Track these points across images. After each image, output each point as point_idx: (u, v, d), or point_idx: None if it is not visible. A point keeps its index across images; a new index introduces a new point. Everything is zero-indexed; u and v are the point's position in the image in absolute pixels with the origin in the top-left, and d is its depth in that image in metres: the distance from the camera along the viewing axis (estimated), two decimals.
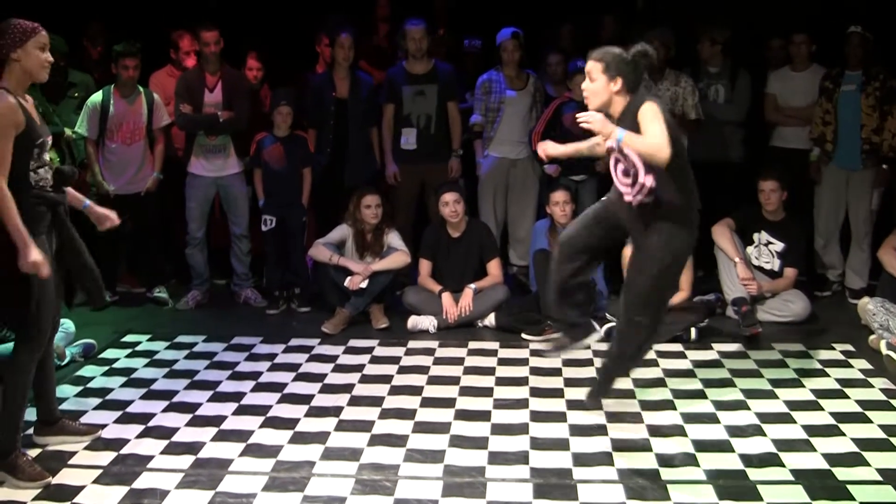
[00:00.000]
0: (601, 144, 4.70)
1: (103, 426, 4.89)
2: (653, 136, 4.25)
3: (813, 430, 4.75)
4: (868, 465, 4.36)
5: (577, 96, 7.37)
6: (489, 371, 5.76)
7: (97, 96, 7.09)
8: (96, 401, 5.31)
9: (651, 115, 4.27)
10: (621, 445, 4.62)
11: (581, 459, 4.46)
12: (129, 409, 5.17)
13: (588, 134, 7.23)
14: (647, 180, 4.41)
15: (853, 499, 4.04)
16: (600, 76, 4.40)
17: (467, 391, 5.41)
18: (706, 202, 7.29)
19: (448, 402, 5.23)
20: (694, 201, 4.57)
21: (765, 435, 4.71)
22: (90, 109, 7.04)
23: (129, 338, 6.48)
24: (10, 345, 4.44)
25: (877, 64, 7.00)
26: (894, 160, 6.98)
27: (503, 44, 7.43)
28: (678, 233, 4.54)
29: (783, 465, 4.37)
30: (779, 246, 6.80)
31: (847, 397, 5.23)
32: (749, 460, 4.41)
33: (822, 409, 5.04)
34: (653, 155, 4.25)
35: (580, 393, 5.28)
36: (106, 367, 5.88)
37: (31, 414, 4.75)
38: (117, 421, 5.00)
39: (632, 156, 4.42)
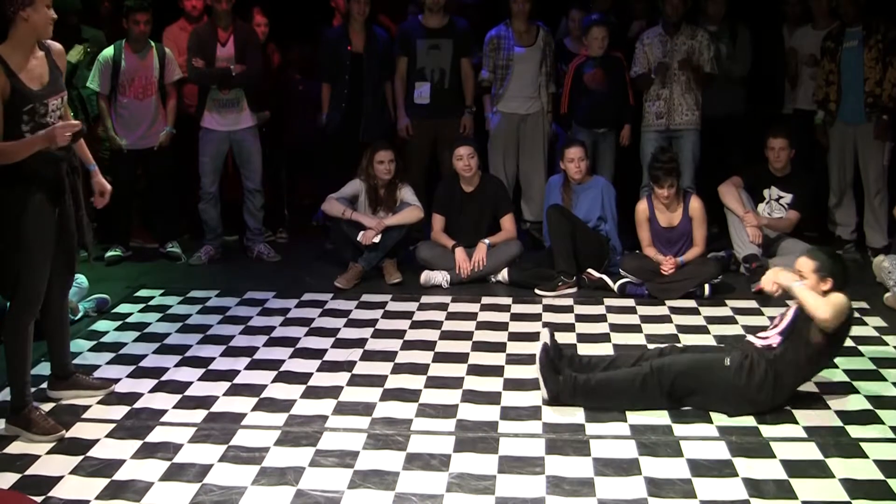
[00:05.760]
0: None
1: (117, 380, 4.91)
2: (826, 306, 4.33)
3: (826, 388, 4.73)
4: (882, 422, 4.35)
5: (594, 52, 7.30)
6: (502, 326, 5.76)
7: (108, 51, 7.06)
8: (109, 355, 5.33)
9: (837, 299, 4.37)
10: None
11: (593, 415, 4.44)
12: (143, 364, 5.19)
13: (610, 84, 7.21)
14: (775, 339, 4.51)
15: (866, 456, 4.03)
16: (812, 275, 4.47)
17: (480, 346, 5.41)
18: (713, 156, 7.31)
19: (461, 357, 5.23)
20: (778, 391, 4.46)
21: None
22: (102, 65, 7.02)
23: (142, 292, 6.49)
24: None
25: (877, 17, 6.90)
26: (894, 111, 6.90)
27: None
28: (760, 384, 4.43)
29: (796, 422, 4.36)
30: (788, 198, 6.79)
31: (861, 355, 5.20)
32: (762, 416, 4.40)
33: (836, 366, 4.99)
34: (813, 312, 4.34)
35: (593, 349, 5.28)
36: (119, 322, 5.90)
37: (44, 368, 4.79)
38: (130, 375, 5.02)
39: (790, 311, 4.57)
